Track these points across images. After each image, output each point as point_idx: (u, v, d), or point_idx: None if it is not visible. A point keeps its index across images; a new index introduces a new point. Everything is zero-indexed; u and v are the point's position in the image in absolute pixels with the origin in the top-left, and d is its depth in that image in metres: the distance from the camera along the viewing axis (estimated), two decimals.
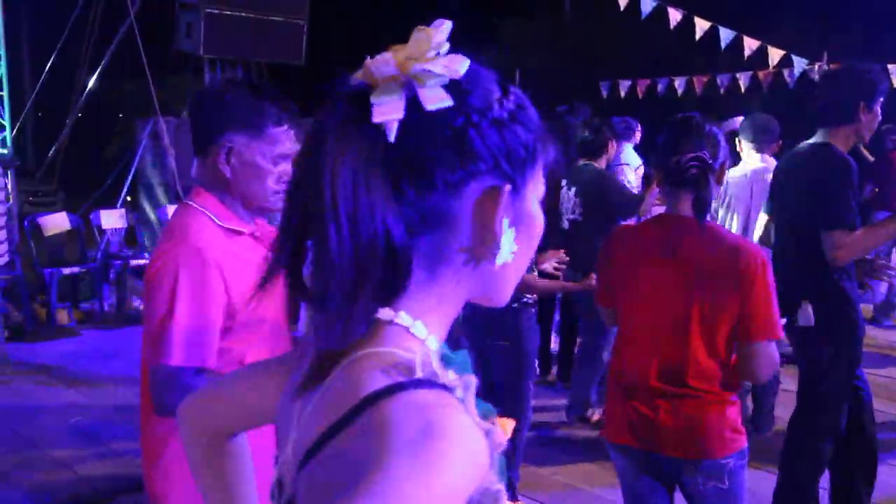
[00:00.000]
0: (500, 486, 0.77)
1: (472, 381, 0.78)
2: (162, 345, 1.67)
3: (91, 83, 10.17)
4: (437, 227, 0.79)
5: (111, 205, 9.23)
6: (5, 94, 9.22)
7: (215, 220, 1.78)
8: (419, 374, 0.75)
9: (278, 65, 8.99)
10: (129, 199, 9.89)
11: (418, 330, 0.80)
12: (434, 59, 0.77)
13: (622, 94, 11.05)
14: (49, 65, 10.08)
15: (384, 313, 0.79)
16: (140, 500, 3.63)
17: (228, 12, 8.18)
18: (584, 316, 4.74)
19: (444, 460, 0.67)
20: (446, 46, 0.79)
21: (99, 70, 10.05)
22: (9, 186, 8.89)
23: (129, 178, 9.82)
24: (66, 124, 10.47)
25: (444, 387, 0.75)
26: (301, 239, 0.79)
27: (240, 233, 1.80)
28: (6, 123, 9.21)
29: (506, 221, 0.81)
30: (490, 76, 0.82)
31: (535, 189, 0.85)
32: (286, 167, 1.78)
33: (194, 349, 1.68)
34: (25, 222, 7.85)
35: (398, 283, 0.78)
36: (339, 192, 0.73)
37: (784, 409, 4.01)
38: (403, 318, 0.80)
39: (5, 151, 9.07)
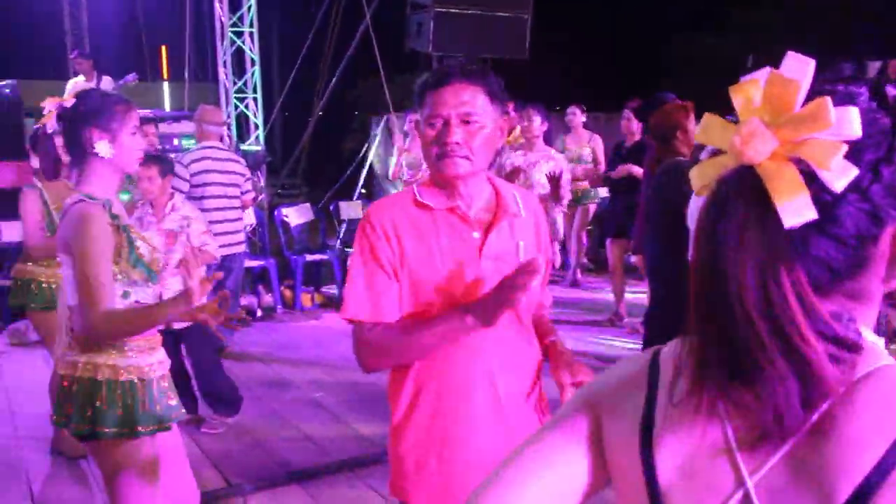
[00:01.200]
0: None
1: None
2: (342, 302, 1.92)
3: (331, 84, 10.93)
4: (864, 272, 0.78)
5: (348, 196, 9.91)
6: (259, 96, 10.15)
7: (417, 196, 1.89)
8: None
9: (502, 60, 9.18)
10: (363, 191, 10.56)
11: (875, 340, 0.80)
12: (824, 122, 0.70)
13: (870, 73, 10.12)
14: (295, 69, 10.92)
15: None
16: (378, 472, 3.93)
17: (456, 10, 8.45)
18: None
19: None
20: (827, 102, 0.71)
21: (338, 71, 10.77)
22: (261, 181, 9.81)
23: (364, 171, 10.47)
24: (308, 123, 11.33)
25: None
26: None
27: (435, 209, 1.88)
28: (259, 123, 10.15)
29: None
30: (875, 108, 0.76)
31: None
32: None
33: (362, 305, 1.86)
34: (275, 213, 8.62)
35: None
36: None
37: None
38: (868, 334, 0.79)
39: (258, 149, 9.99)
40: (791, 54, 0.72)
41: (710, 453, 0.79)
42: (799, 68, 0.71)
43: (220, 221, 5.68)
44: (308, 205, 8.76)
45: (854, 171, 0.70)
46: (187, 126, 8.23)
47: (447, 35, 8.40)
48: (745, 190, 0.73)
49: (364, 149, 11.16)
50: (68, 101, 2.35)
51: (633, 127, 7.01)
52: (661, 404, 0.85)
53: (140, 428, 2.34)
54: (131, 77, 9.86)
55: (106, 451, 2.36)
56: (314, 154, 11.69)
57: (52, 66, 12.29)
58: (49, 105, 2.39)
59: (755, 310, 0.72)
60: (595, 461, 0.90)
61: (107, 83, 8.94)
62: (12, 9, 12.23)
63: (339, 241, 8.55)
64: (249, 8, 9.90)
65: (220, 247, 4.98)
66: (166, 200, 4.56)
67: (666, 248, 4.01)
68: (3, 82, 10.05)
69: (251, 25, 9.96)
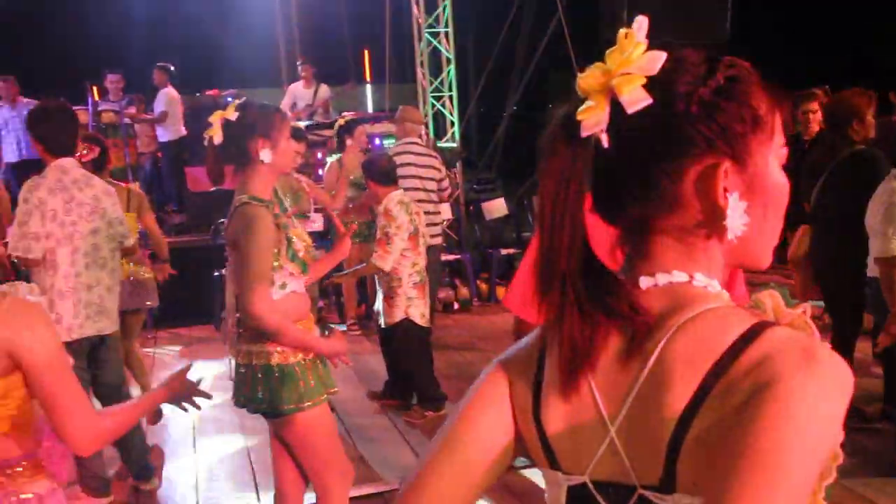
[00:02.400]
0: None
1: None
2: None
3: (525, 78, 10.98)
4: (675, 210, 0.85)
5: None
6: (454, 94, 10.41)
7: None
8: (770, 317, 0.82)
9: (700, 44, 8.81)
10: None
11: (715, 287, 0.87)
12: (634, 61, 0.83)
13: None
14: (490, 64, 11.08)
15: (678, 276, 0.86)
16: None
17: None
18: None
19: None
20: (643, 46, 0.84)
21: (532, 65, 10.80)
22: (458, 176, 10.05)
23: None
24: (502, 117, 11.46)
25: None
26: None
27: None
28: (455, 121, 10.41)
29: (735, 195, 0.84)
30: (697, 58, 0.86)
31: (771, 157, 0.87)
32: None
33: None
34: (471, 208, 8.81)
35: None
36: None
37: None
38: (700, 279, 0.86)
39: (455, 145, 10.25)
40: (640, 18, 0.84)
41: (581, 407, 0.87)
42: (640, 28, 0.84)
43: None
44: (503, 199, 8.87)
45: (647, 100, 0.81)
46: (388, 126, 8.60)
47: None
48: (560, 121, 0.87)
49: None
50: (232, 114, 2.59)
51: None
52: (547, 366, 0.91)
53: (309, 402, 2.62)
54: (348, 86, 10.48)
55: (287, 426, 2.66)
56: (509, 148, 11.79)
57: (267, 75, 13.26)
58: (215, 119, 2.64)
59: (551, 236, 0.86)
60: (512, 422, 0.95)
61: (324, 91, 9.54)
62: (230, 23, 13.33)
63: (533, 234, 8.60)
64: (445, 8, 10.17)
65: None
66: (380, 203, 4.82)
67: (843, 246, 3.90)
68: (226, 92, 11.01)
69: (446, 25, 10.22)
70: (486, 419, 0.95)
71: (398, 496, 0.96)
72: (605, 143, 0.84)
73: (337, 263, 3.18)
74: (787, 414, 0.72)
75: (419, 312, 4.78)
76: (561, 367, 0.87)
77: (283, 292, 2.61)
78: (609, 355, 0.86)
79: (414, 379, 4.90)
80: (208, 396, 2.09)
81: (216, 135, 2.62)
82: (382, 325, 4.86)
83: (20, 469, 1.68)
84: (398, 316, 4.75)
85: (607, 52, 0.85)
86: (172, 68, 9.56)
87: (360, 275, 4.73)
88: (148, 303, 4.72)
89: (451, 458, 0.94)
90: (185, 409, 2.08)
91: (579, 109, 0.85)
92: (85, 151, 4.16)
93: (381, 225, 4.72)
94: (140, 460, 3.95)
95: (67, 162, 3.53)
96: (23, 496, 1.66)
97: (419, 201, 5.94)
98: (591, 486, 0.87)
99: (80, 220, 3.51)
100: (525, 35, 10.89)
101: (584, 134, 0.84)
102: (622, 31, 0.84)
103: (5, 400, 1.65)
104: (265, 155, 2.57)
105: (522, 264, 1.97)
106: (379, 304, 4.88)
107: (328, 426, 2.76)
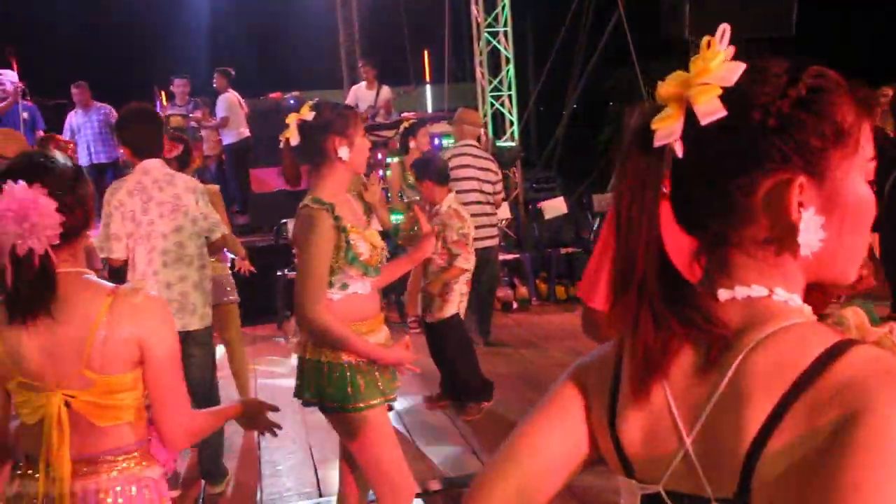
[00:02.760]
0: None
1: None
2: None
3: (584, 76, 10.91)
4: (749, 223, 0.84)
5: (602, 189, 9.84)
6: (513, 93, 10.39)
7: None
8: (853, 334, 0.81)
9: (765, 39, 8.61)
10: None
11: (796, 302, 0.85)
12: (712, 71, 0.82)
13: None
14: (548, 63, 11.03)
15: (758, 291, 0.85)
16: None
17: None
18: None
19: None
20: (727, 53, 0.83)
21: (592, 62, 10.72)
22: (517, 175, 10.04)
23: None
24: (562, 115, 11.39)
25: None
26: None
27: None
28: (514, 120, 10.39)
29: (810, 211, 0.82)
30: (780, 69, 0.84)
31: (853, 170, 0.84)
32: None
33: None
34: (529, 207, 8.79)
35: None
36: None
37: None
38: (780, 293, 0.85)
39: (513, 144, 10.23)
40: (723, 26, 0.83)
41: (656, 417, 0.86)
42: (723, 36, 0.83)
43: (477, 215, 5.92)
44: (562, 198, 8.83)
45: (721, 112, 0.81)
46: (447, 126, 8.64)
47: (705, 17, 8.04)
48: (637, 128, 0.86)
49: (618, 140, 11.00)
50: (308, 114, 2.62)
51: None
52: (623, 374, 0.91)
53: (360, 403, 2.58)
54: (409, 87, 10.55)
55: (339, 423, 2.67)
56: (568, 147, 11.72)
57: (329, 77, 13.42)
58: (291, 121, 2.67)
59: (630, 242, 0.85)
60: (586, 432, 0.96)
61: (386, 92, 9.64)
62: (291, 27, 13.54)
63: (592, 233, 8.53)
64: (503, 7, 10.16)
65: (475, 240, 5.20)
66: (438, 202, 4.87)
67: None
68: (288, 95, 11.19)
69: (505, 25, 10.21)
70: (559, 427, 0.96)
71: (465, 497, 0.97)
72: (679, 153, 0.83)
73: (419, 263, 3.16)
74: (881, 448, 0.70)
75: (465, 308, 5.01)
76: (634, 374, 0.87)
77: (343, 293, 2.61)
78: (684, 366, 0.85)
79: (463, 373, 4.95)
80: (276, 409, 2.14)
81: (292, 136, 2.64)
82: (430, 321, 4.92)
83: (135, 455, 1.79)
84: (451, 311, 4.87)
85: (692, 59, 0.85)
86: (232, 72, 9.75)
87: (448, 279, 4.76)
88: (226, 298, 4.82)
89: (519, 465, 0.95)
90: (263, 434, 2.17)
91: (655, 118, 0.84)
92: (168, 147, 4.32)
93: (454, 226, 4.80)
94: (214, 461, 4.04)
95: (150, 163, 3.63)
96: (142, 480, 1.79)
97: (477, 203, 5.96)
98: (665, 496, 0.87)
99: (159, 220, 3.58)
100: (585, 32, 10.80)
101: (657, 143, 0.84)
102: (705, 38, 0.83)
103: (134, 391, 1.76)
104: (343, 153, 2.59)
105: (594, 252, 1.99)
106: (419, 300, 5.01)
107: (383, 434, 2.68)
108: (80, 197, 1.72)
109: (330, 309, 2.55)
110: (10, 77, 8.18)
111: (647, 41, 9.44)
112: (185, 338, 3.71)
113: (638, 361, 0.86)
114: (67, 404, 1.69)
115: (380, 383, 2.64)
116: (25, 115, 8.18)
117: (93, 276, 1.78)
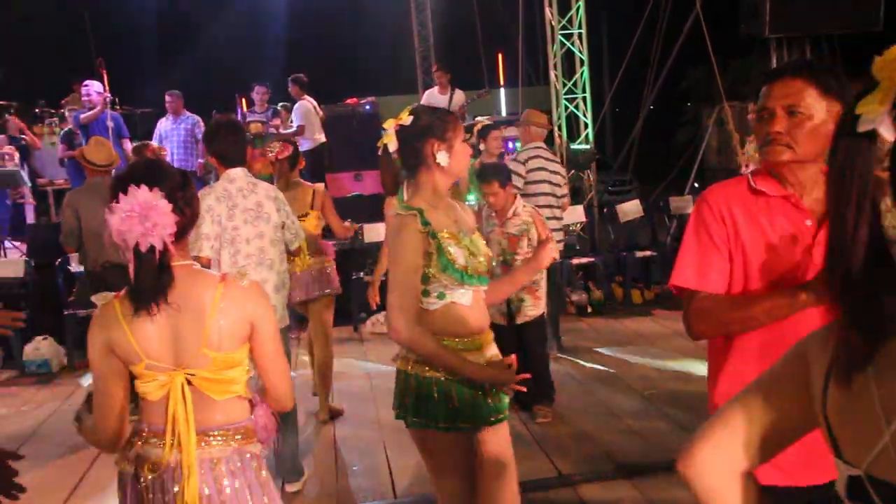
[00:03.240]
0: None
1: None
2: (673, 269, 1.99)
3: (661, 76, 10.74)
4: None
5: (679, 191, 9.67)
6: (587, 95, 10.31)
7: (751, 183, 1.95)
8: None
9: (849, 36, 8.33)
10: (696, 185, 10.23)
11: None
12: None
13: None
14: (623, 64, 10.91)
15: None
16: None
17: None
18: None
19: None
20: None
21: (669, 62, 10.54)
22: (591, 178, 9.96)
23: (696, 164, 10.13)
24: (638, 117, 11.25)
25: None
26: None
27: (769, 195, 1.93)
28: (588, 122, 10.31)
29: None
30: None
31: None
32: None
33: (690, 274, 1.94)
34: (604, 210, 8.69)
35: None
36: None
37: None
38: None
39: (588, 147, 10.15)
40: None
41: (861, 404, 0.87)
42: None
43: (550, 218, 5.90)
44: (637, 201, 8.71)
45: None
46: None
47: (785, 15, 7.83)
48: (844, 112, 0.86)
49: (696, 141, 10.82)
50: (406, 119, 2.54)
51: None
52: (836, 357, 0.92)
53: (443, 423, 2.43)
54: (483, 92, 10.58)
55: (419, 439, 2.53)
56: (644, 149, 11.55)
57: (402, 82, 13.59)
58: (389, 126, 2.59)
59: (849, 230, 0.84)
60: (806, 399, 0.98)
61: (459, 96, 9.69)
62: (367, 32, 13.77)
63: (669, 236, 8.39)
64: (578, 9, 10.09)
65: None
66: (509, 206, 4.87)
67: None
68: (364, 100, 11.35)
69: (580, 26, 10.15)
70: (783, 396, 1.01)
71: (687, 446, 1.07)
72: (890, 138, 0.81)
73: (539, 271, 3.13)
74: None
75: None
76: (842, 359, 0.88)
77: (441, 303, 2.44)
78: (893, 354, 0.85)
79: (544, 372, 4.96)
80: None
81: (391, 142, 2.54)
82: (521, 322, 4.89)
83: (242, 431, 2.03)
84: (541, 309, 4.93)
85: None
86: (305, 79, 9.94)
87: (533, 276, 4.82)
88: (327, 290, 5.07)
89: (748, 425, 1.03)
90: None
91: (860, 102, 0.82)
92: (280, 149, 4.89)
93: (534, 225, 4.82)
94: (292, 460, 4.15)
95: (235, 172, 3.84)
96: (246, 454, 2.02)
97: (549, 206, 5.93)
98: (866, 480, 0.87)
99: (243, 226, 3.79)
100: (661, 32, 10.64)
101: (860, 129, 0.82)
102: None
103: (242, 365, 2.01)
104: (441, 158, 2.48)
105: (685, 241, 2.00)
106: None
107: (453, 463, 2.50)
108: (189, 198, 1.96)
109: (425, 320, 2.42)
110: (97, 88, 8.60)
111: (725, 40, 9.24)
112: None
113: (846, 347, 0.87)
114: (189, 381, 1.94)
115: (469, 405, 2.46)
116: (111, 123, 8.57)
117: (199, 267, 2.04)
